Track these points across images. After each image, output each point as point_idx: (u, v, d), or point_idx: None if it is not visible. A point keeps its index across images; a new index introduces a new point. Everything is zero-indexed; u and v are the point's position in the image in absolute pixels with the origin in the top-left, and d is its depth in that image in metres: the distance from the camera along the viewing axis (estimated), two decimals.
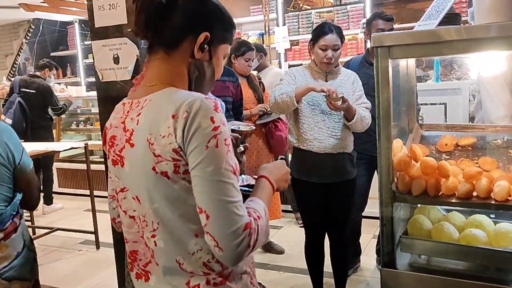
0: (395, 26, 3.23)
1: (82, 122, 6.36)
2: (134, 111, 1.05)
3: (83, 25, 7.14)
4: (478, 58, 2.15)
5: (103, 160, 3.63)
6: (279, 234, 4.07)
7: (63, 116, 5.87)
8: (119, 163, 1.08)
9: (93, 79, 5.69)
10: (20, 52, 7.52)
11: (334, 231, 2.68)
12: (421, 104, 3.21)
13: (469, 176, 1.59)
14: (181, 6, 1.04)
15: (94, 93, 4.38)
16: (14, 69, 7.65)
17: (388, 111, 1.62)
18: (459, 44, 1.50)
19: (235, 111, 3.17)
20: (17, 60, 7.20)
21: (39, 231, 4.36)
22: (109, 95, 2.47)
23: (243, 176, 1.29)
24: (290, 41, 5.58)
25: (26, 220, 1.99)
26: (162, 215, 1.00)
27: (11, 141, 1.64)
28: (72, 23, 7.33)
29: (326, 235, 2.72)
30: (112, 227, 1.31)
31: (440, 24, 1.57)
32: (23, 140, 2.85)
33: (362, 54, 3.18)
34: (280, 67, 5.64)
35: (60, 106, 5.15)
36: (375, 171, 2.74)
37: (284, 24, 5.60)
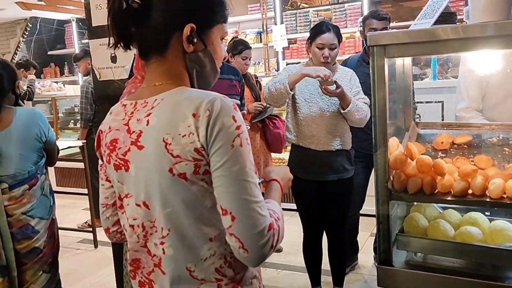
0: (392, 24, 3.23)
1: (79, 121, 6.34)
2: (141, 112, 0.99)
3: (80, 23, 7.12)
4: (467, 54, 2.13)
5: None
6: None
7: (60, 115, 5.85)
8: (123, 167, 1.01)
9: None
10: (18, 50, 7.49)
11: (332, 229, 2.69)
12: (418, 102, 3.21)
13: (465, 174, 1.59)
14: (156, 5, 0.96)
15: None
16: None
17: (384, 110, 1.62)
18: (455, 43, 1.50)
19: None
20: (14, 59, 7.16)
21: None
22: (107, 94, 2.48)
23: None
24: (288, 39, 5.59)
25: None
26: (174, 220, 0.96)
27: (42, 122, 2.23)
28: (70, 22, 7.30)
29: (324, 233, 2.74)
30: None
31: (436, 23, 1.57)
32: None
33: (360, 53, 3.18)
34: (278, 65, 5.64)
35: (25, 91, 4.92)
36: (373, 169, 2.74)
37: (282, 23, 5.60)
